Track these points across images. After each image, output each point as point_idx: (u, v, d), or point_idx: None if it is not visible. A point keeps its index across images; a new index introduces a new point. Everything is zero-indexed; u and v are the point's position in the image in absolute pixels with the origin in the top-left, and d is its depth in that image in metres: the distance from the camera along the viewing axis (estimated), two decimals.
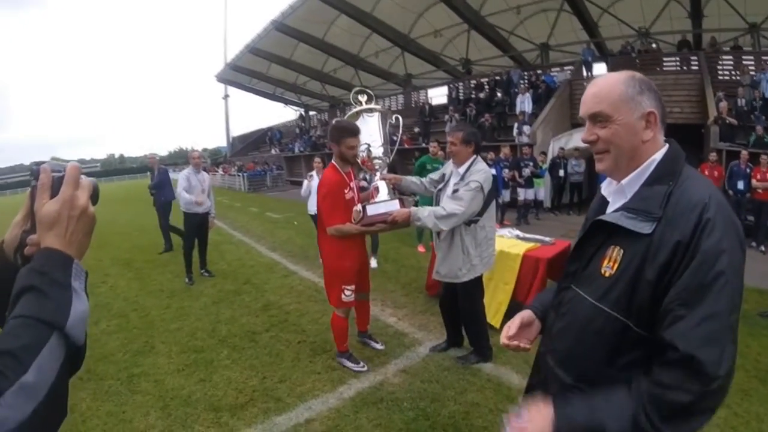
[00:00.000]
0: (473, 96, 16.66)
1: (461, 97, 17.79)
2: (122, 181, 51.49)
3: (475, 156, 3.16)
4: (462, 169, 3.13)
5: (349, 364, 3.44)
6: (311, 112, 30.64)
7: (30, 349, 0.55)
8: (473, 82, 17.69)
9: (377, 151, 3.46)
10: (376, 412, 2.83)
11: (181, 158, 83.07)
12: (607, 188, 1.16)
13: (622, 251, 1.01)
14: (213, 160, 38.18)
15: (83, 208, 0.68)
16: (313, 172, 6.52)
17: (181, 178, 5.86)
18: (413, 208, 2.92)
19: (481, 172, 3.04)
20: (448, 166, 3.34)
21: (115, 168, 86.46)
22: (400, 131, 3.90)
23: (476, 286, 3.26)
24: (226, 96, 31.32)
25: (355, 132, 3.16)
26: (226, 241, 9.01)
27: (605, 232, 1.06)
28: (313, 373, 3.38)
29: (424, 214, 2.86)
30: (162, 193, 7.76)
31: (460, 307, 3.34)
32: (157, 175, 7.91)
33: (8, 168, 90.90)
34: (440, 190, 3.32)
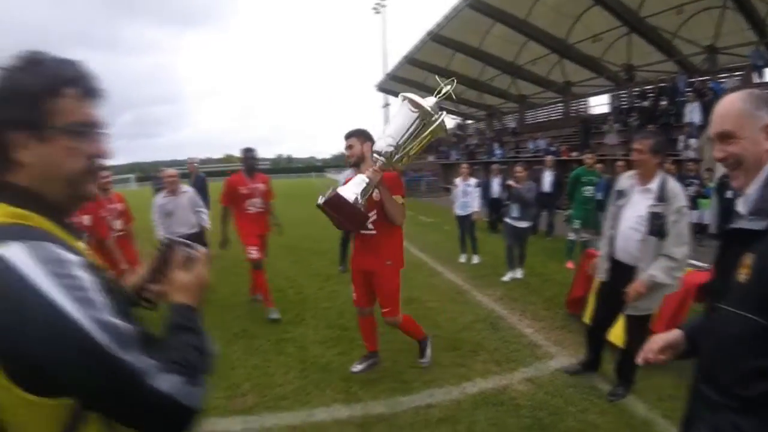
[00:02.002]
0: (636, 105, 15.05)
1: (623, 106, 16.21)
2: (289, 179, 57.65)
3: (660, 170, 2.82)
4: (654, 186, 2.76)
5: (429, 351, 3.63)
6: (468, 121, 30.72)
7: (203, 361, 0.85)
8: (636, 89, 15.97)
9: (384, 146, 2.70)
10: (494, 413, 2.90)
11: (342, 161, 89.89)
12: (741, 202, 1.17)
13: (752, 254, 1.04)
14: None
15: (206, 281, 0.98)
16: (460, 178, 6.80)
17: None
18: (644, 274, 2.66)
19: (681, 192, 2.72)
20: (625, 180, 2.99)
21: (282, 167, 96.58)
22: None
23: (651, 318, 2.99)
24: (386, 105, 32.99)
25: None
26: None
27: (739, 241, 1.09)
28: (441, 366, 3.58)
29: (658, 273, 2.61)
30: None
31: (629, 338, 3.00)
32: (193, 182, 7.35)
33: (201, 159, 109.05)
34: (620, 207, 2.94)
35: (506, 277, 5.98)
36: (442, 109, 2.79)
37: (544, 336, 4.16)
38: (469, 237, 7.15)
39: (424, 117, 2.68)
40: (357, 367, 3.56)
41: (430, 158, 28.57)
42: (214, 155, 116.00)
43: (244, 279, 5.70)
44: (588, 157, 6.82)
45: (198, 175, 7.92)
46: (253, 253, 4.74)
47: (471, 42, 19.31)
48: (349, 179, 3.09)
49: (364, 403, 3.09)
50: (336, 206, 2.77)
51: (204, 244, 5.53)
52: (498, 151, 20.95)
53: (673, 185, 2.72)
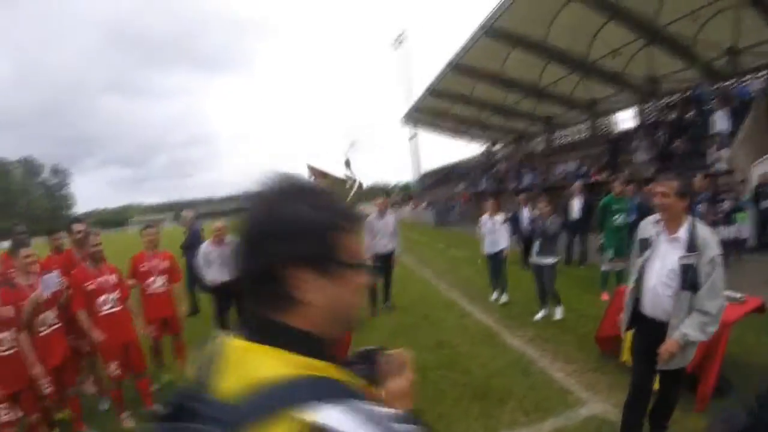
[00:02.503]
0: (663, 119, 14.79)
1: (649, 121, 15.96)
2: None
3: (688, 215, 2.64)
4: (683, 235, 2.58)
5: None
6: (497, 146, 30.72)
7: None
8: (661, 102, 15.79)
9: None
10: None
11: (373, 194, 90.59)
12: None
13: None
14: (404, 194, 41.08)
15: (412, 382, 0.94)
16: (486, 215, 6.84)
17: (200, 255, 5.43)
18: (677, 333, 2.52)
19: (713, 239, 2.53)
20: (649, 227, 2.78)
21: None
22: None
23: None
24: (414, 136, 33.44)
25: None
26: (409, 276, 9.73)
27: None
28: (470, 417, 3.59)
29: (691, 332, 2.48)
30: (192, 253, 6.39)
31: (664, 389, 2.86)
32: (189, 236, 7.51)
33: (223, 198, 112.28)
34: (646, 260, 2.74)
35: (538, 316, 5.91)
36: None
37: (576, 380, 4.09)
38: (498, 275, 7.00)
39: (331, 183, 2.95)
40: None
41: (461, 186, 28.61)
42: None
43: None
44: (616, 185, 6.73)
45: (193, 227, 7.74)
46: None
47: (492, 68, 19.45)
48: None
49: None
50: None
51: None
52: (528, 176, 20.79)
53: (704, 232, 2.55)
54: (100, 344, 3.86)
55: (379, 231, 6.70)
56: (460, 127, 30.07)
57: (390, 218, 6.89)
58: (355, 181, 3.03)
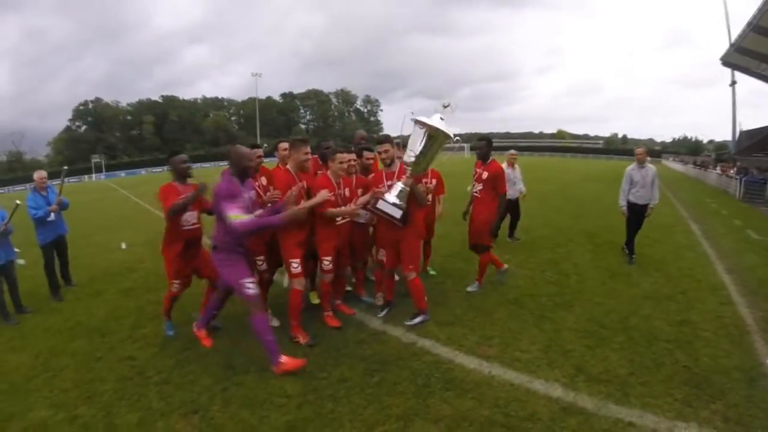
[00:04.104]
0: None
1: None
2: (621, 160, 52.33)
3: None
4: None
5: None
6: None
7: None
8: None
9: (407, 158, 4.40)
10: None
11: (684, 147, 76.86)
12: None
13: None
14: (717, 155, 33.58)
15: None
16: None
17: None
18: None
19: None
20: None
21: (615, 147, 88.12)
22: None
23: None
24: (733, 83, 26.07)
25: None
26: (690, 246, 9.02)
27: None
28: (668, 396, 3.66)
29: None
30: None
31: None
32: None
33: (520, 134, 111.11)
34: None
35: None
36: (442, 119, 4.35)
37: None
38: None
39: (431, 132, 4.24)
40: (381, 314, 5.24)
41: None
42: (546, 130, 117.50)
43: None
44: None
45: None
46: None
47: None
48: None
49: (580, 395, 3.62)
50: (383, 214, 4.49)
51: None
52: None
53: None
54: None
55: (638, 182, 7.30)
56: None
57: (650, 169, 7.38)
58: (448, 135, 4.28)
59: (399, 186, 4.49)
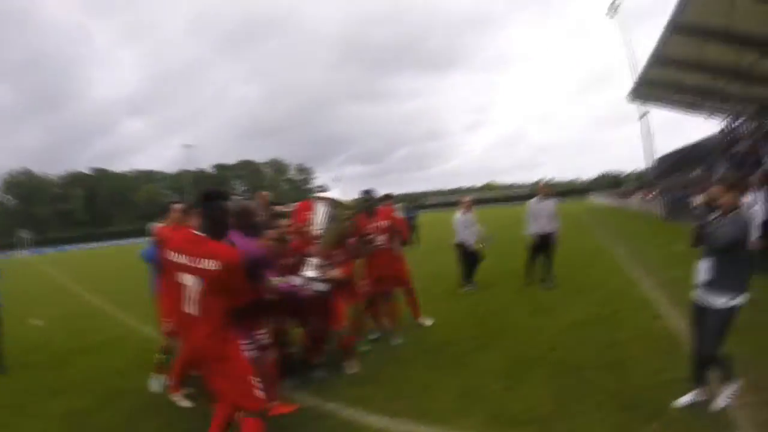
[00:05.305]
0: None
1: None
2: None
3: None
4: None
5: None
6: (737, 121, 23.79)
7: None
8: None
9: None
10: None
11: (607, 181, 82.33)
12: None
13: None
14: (638, 183, 35.72)
15: None
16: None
17: None
18: None
19: None
20: None
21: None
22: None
23: None
24: (644, 115, 28.03)
25: None
26: (617, 269, 8.95)
27: None
28: (599, 425, 3.12)
29: None
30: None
31: None
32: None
33: (450, 190, 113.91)
34: None
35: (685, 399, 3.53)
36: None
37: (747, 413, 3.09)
38: None
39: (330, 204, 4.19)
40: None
41: (697, 172, 23.43)
42: (477, 183, 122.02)
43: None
44: None
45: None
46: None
47: (717, 24, 15.11)
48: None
49: None
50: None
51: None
52: None
53: None
54: None
55: (538, 213, 7.68)
56: (693, 99, 24.70)
57: (550, 202, 7.84)
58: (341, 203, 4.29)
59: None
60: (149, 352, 5.97)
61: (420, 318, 6.09)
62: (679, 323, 5.09)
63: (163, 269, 3.95)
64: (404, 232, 5.86)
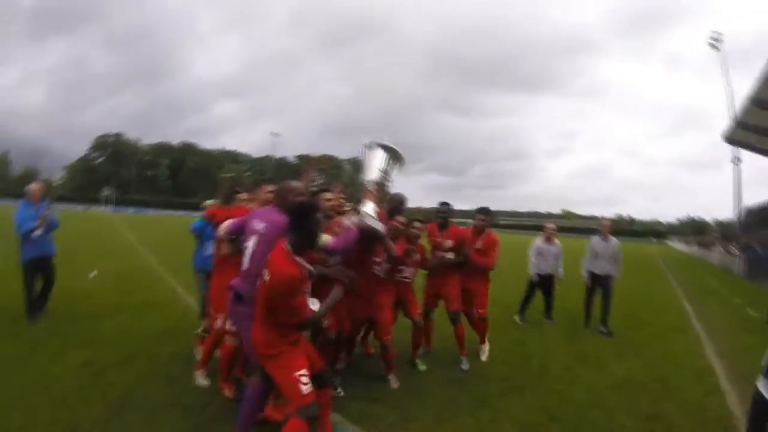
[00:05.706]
0: None
1: None
2: (625, 241, 53.39)
3: None
4: None
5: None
6: None
7: None
8: None
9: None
10: None
11: (689, 227, 77.88)
12: None
13: None
14: (722, 234, 32.65)
15: None
16: None
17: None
18: None
19: None
20: None
21: (621, 228, 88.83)
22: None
23: None
24: (736, 159, 25.65)
25: None
26: (680, 328, 8.26)
27: None
28: None
29: None
30: None
31: None
32: None
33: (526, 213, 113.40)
34: None
35: None
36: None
37: None
38: None
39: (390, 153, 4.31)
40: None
41: None
42: (552, 210, 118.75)
43: None
44: None
45: None
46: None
47: None
48: None
49: None
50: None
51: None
52: None
53: None
54: None
55: (601, 253, 7.41)
56: None
57: (613, 242, 7.50)
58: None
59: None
60: (184, 322, 6.31)
61: (482, 344, 5.79)
62: (737, 403, 4.59)
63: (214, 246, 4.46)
64: (475, 257, 5.42)
